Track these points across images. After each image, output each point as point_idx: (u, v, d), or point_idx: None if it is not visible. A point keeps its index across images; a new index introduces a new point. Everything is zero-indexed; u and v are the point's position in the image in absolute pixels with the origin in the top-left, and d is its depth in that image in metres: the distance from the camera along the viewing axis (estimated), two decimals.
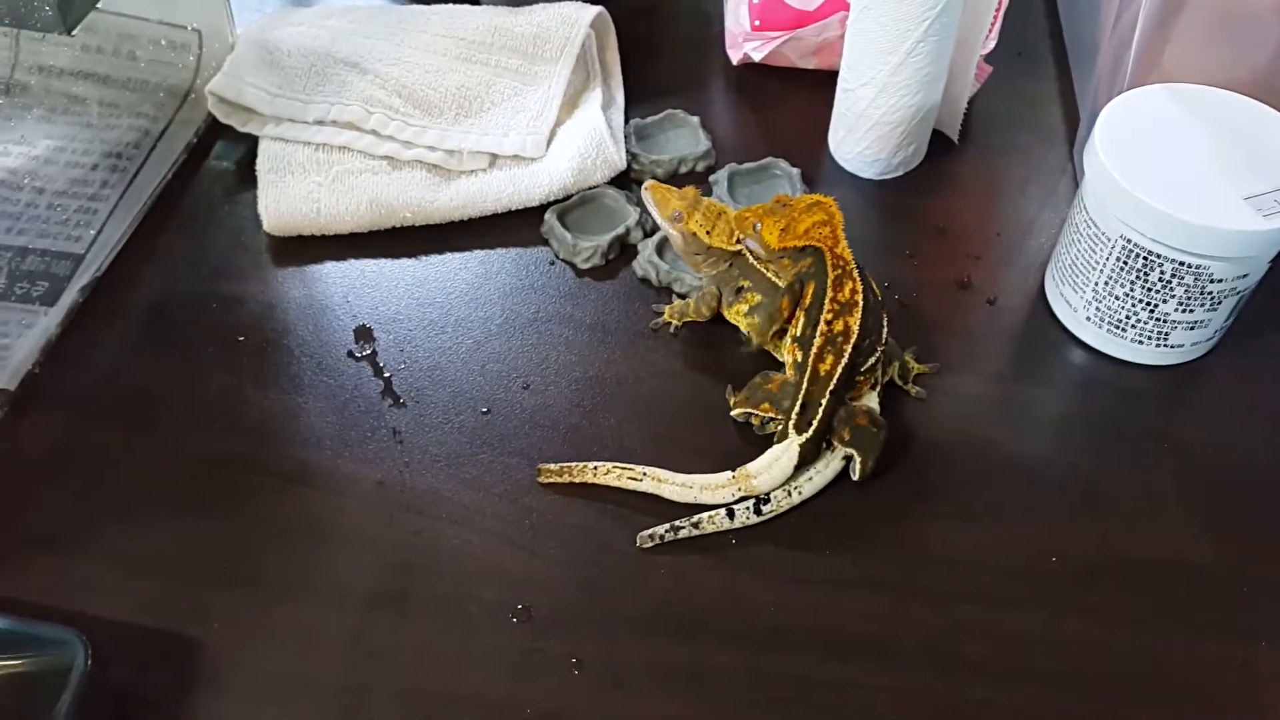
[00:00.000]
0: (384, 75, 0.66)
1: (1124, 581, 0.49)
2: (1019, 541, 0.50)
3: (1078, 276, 0.58)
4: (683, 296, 0.60)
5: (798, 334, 0.52)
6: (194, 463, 0.52)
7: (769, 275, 0.54)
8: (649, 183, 0.57)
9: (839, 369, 0.51)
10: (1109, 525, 0.51)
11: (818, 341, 0.51)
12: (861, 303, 0.51)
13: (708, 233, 0.55)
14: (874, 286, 0.54)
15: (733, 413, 0.54)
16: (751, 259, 0.55)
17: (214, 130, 0.67)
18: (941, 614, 0.48)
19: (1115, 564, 0.50)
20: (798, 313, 0.53)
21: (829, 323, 0.51)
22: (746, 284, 0.55)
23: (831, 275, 0.52)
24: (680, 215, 0.55)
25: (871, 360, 0.52)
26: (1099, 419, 0.56)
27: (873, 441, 0.51)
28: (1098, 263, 0.56)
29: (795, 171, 0.66)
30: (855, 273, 0.52)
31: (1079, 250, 0.57)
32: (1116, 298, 0.56)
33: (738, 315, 0.56)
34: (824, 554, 0.50)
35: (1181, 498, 0.52)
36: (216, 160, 0.66)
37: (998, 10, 0.64)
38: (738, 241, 0.55)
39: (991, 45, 0.68)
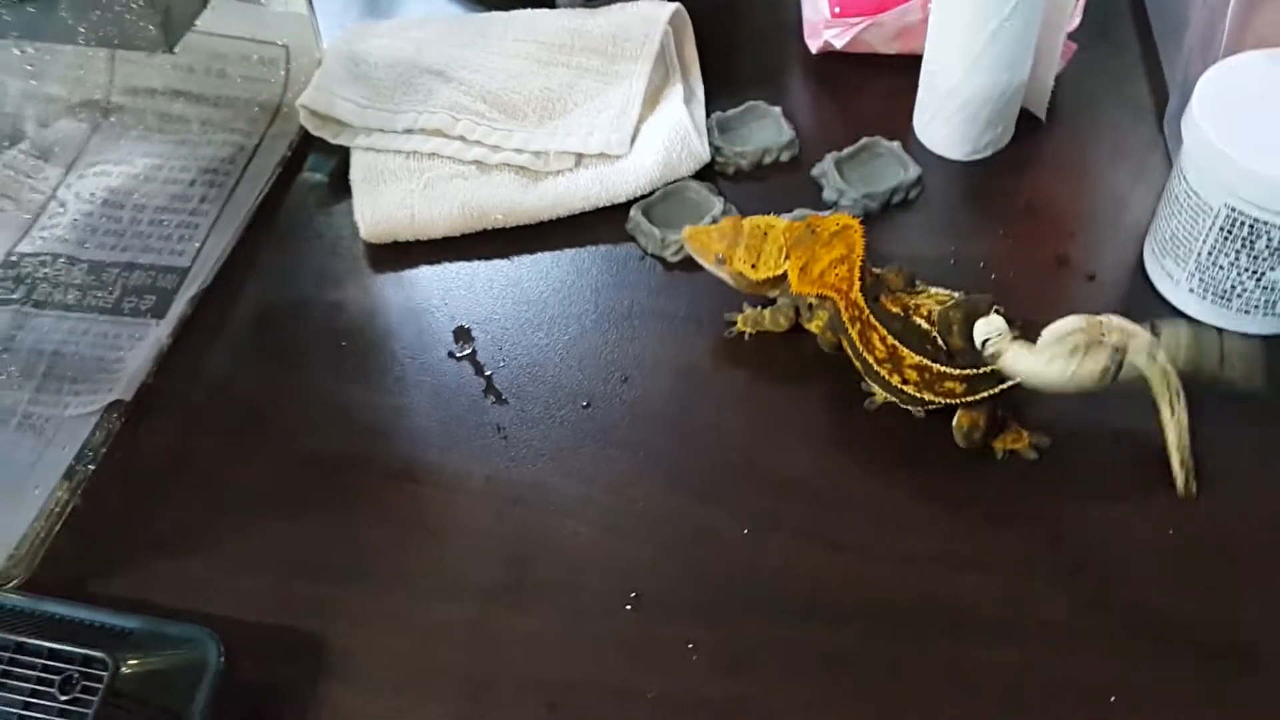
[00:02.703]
0: (468, 82, 0.67)
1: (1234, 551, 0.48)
2: (1137, 517, 0.50)
3: (1179, 248, 0.57)
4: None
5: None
6: (306, 464, 0.53)
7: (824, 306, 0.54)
8: (686, 231, 0.57)
9: (956, 385, 0.50)
10: (1226, 499, 0.50)
11: (921, 395, 0.51)
12: (900, 345, 0.50)
13: (753, 266, 0.54)
14: (896, 303, 0.52)
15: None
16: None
17: (306, 143, 0.68)
18: (1063, 591, 0.47)
19: (1227, 534, 0.49)
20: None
21: (903, 383, 0.51)
22: (812, 300, 0.54)
23: (854, 332, 0.51)
24: (723, 258, 0.55)
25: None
26: (1208, 391, 0.54)
27: None
28: (1200, 233, 0.55)
29: (895, 145, 0.66)
30: (872, 318, 0.51)
31: (1180, 222, 0.56)
32: (1221, 268, 0.55)
33: (818, 330, 0.55)
34: (934, 531, 0.49)
35: None
36: (310, 172, 0.68)
37: None
38: (785, 259, 0.54)
39: (1076, 22, 0.67)
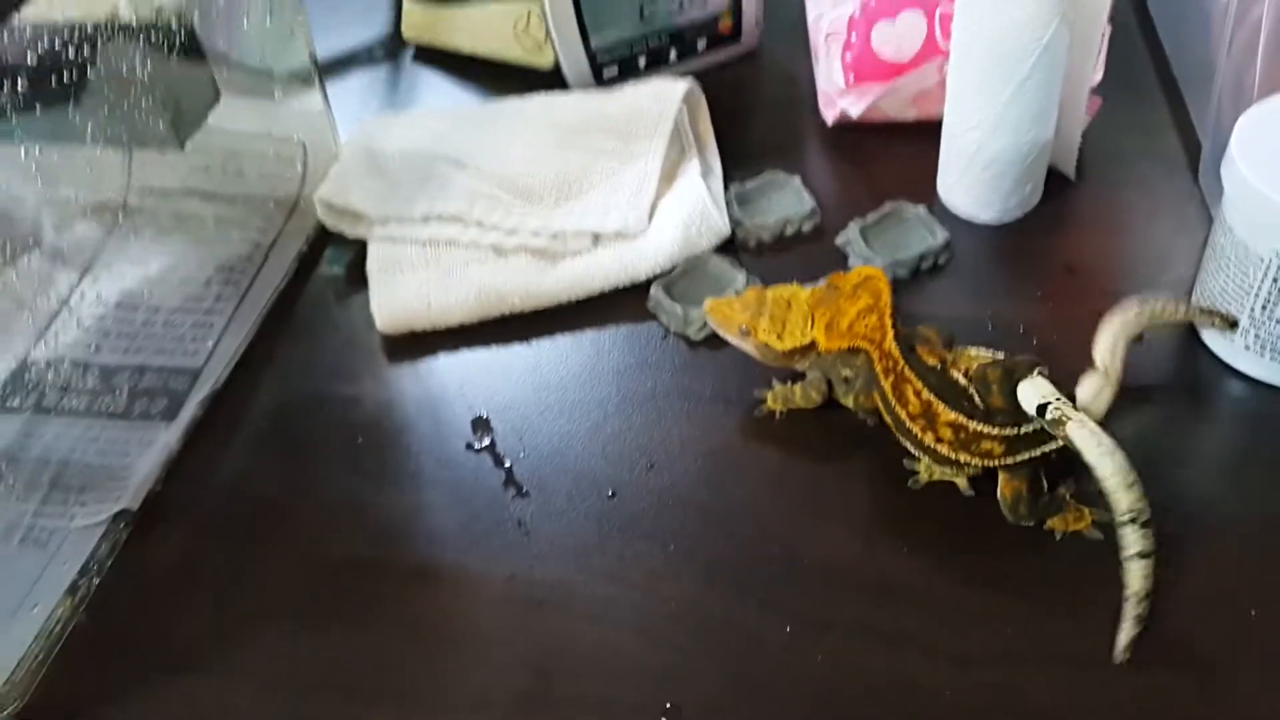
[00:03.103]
0: (485, 169, 0.67)
1: None
2: (1211, 601, 0.46)
3: (1229, 303, 0.54)
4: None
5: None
6: (322, 571, 0.51)
7: (855, 363, 0.51)
8: (708, 303, 0.55)
9: (995, 446, 0.48)
10: None
11: (956, 456, 0.48)
12: (936, 400, 0.48)
13: (779, 336, 0.52)
14: (934, 355, 0.50)
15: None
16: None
17: (323, 238, 0.68)
18: (1132, 685, 0.43)
19: None
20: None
21: (936, 441, 0.48)
22: (848, 373, 0.52)
23: (888, 384, 0.49)
24: (747, 330, 0.53)
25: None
26: (1274, 459, 0.51)
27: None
28: (1251, 286, 0.52)
29: (921, 209, 0.64)
30: (907, 369, 0.48)
31: (1228, 275, 0.53)
32: (1278, 321, 0.52)
33: (853, 403, 0.53)
34: (995, 623, 0.46)
35: None
36: (327, 266, 0.67)
37: (1103, 40, 0.61)
38: (811, 328, 0.52)
39: (1099, 76, 0.65)
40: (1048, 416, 0.46)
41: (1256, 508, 0.49)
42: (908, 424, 0.49)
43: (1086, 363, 0.54)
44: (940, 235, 0.62)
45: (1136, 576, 0.43)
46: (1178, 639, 0.45)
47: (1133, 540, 0.43)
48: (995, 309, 0.59)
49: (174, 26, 0.52)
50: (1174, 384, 0.55)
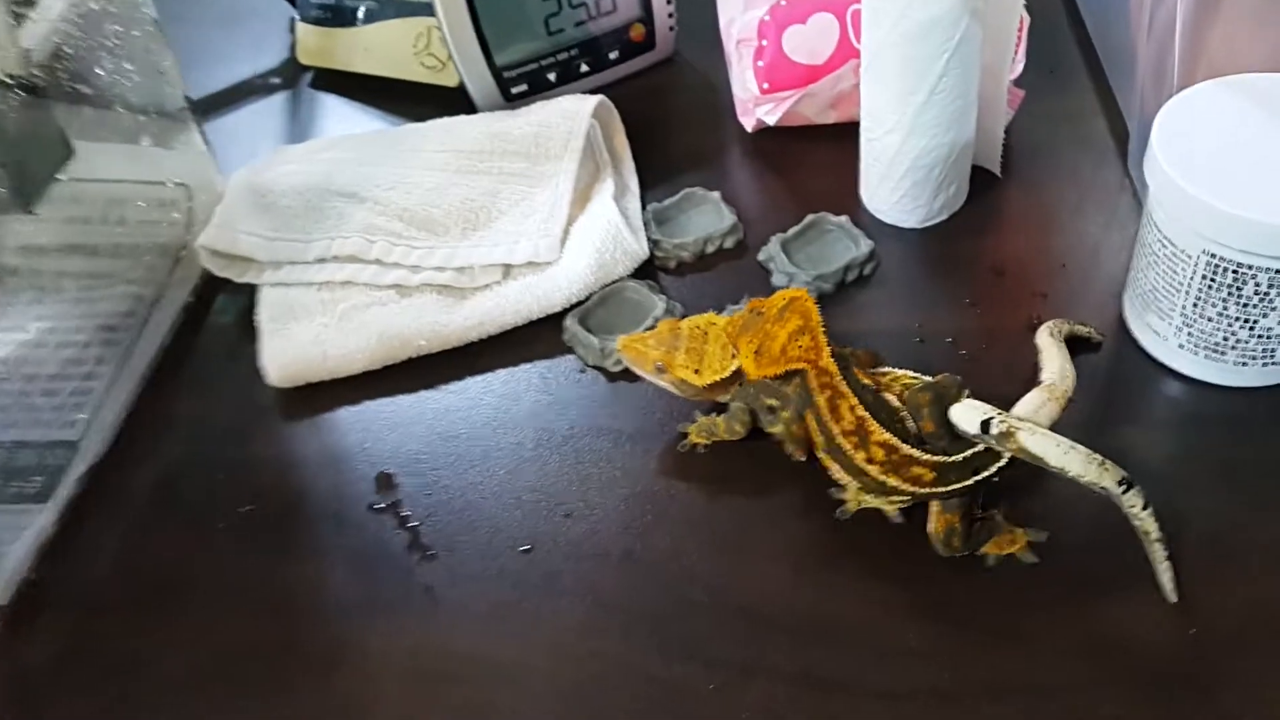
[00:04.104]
0: (383, 201, 0.63)
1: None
2: (1148, 616, 0.44)
3: (1161, 301, 0.51)
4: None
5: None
6: (217, 653, 0.47)
7: (785, 390, 0.48)
8: (620, 341, 0.52)
9: (925, 472, 0.45)
10: (1250, 579, 0.45)
11: (886, 479, 0.45)
12: (870, 418, 0.45)
13: (696, 371, 0.49)
14: (868, 376, 0.48)
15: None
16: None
17: (214, 286, 0.63)
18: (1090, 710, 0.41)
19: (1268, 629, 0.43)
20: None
21: (866, 463, 0.45)
22: (773, 402, 0.49)
23: (823, 400, 0.46)
24: (662, 366, 0.50)
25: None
26: (1212, 457, 0.49)
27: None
28: (1181, 284, 0.50)
29: (843, 219, 0.61)
30: (843, 384, 0.46)
31: (1157, 273, 0.51)
32: (1210, 319, 0.50)
33: (782, 431, 0.50)
34: (933, 657, 0.44)
35: None
36: (217, 316, 0.62)
37: (1021, 30, 0.59)
38: (731, 358, 0.49)
39: (1020, 68, 0.62)
40: (993, 431, 0.44)
41: (1201, 505, 0.47)
42: (839, 440, 0.46)
43: (1016, 372, 0.52)
44: (864, 245, 0.59)
45: (1151, 523, 0.44)
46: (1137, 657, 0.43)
47: (1133, 499, 0.43)
48: (923, 319, 0.57)
49: (8, 80, 0.48)
50: (1109, 386, 0.53)
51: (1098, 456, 0.43)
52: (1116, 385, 0.53)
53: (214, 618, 0.48)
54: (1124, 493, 0.43)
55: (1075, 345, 0.53)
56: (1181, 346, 0.52)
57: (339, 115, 0.77)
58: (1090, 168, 0.64)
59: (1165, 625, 0.44)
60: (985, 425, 0.44)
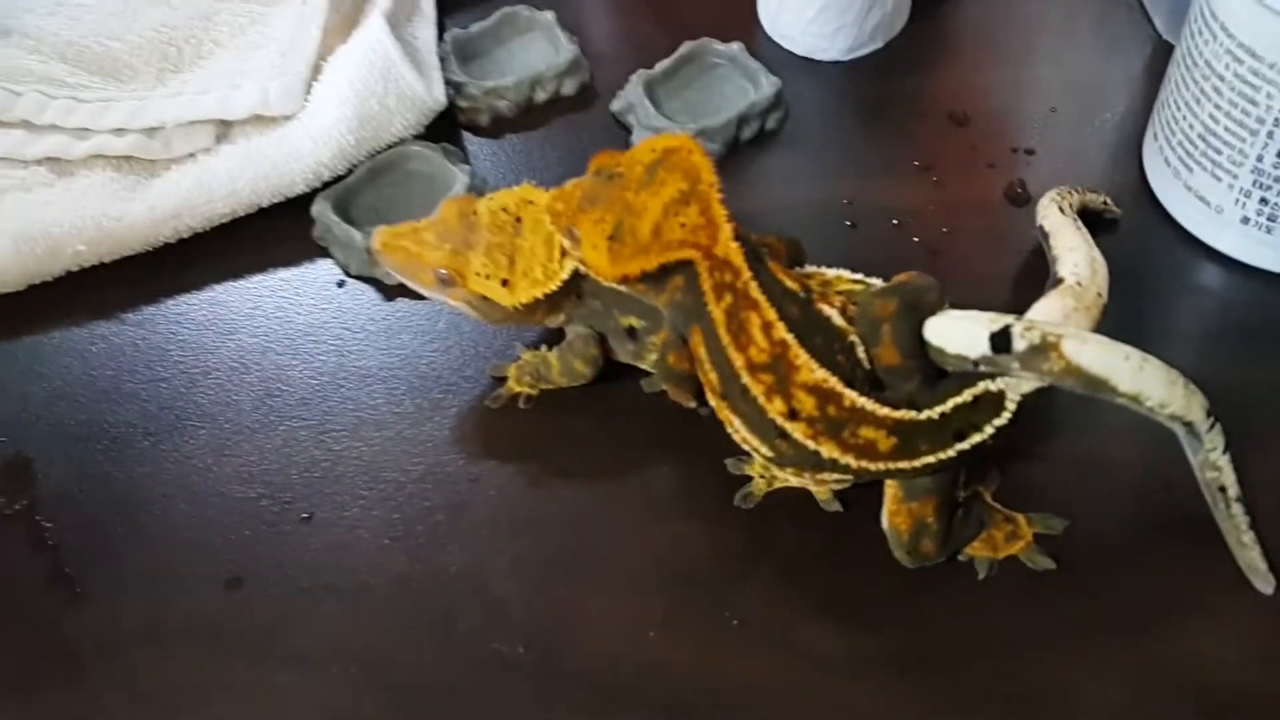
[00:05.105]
0: (38, 34, 0.42)
1: None
2: (1232, 649, 0.29)
3: (1219, 152, 0.35)
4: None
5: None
6: None
7: (655, 301, 0.31)
8: (377, 236, 0.32)
9: (884, 438, 0.28)
10: None
11: (816, 446, 0.28)
12: (796, 344, 0.28)
13: (505, 282, 0.31)
14: (792, 277, 0.30)
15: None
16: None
17: None
18: None
19: None
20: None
21: (786, 418, 0.28)
22: (634, 321, 0.32)
23: (719, 311, 0.29)
24: (448, 276, 0.31)
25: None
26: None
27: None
28: (1259, 120, 0.33)
29: (736, 48, 0.43)
30: (753, 286, 0.29)
31: (1217, 105, 0.34)
32: None
33: (651, 365, 0.34)
34: None
35: None
36: None
37: None
38: (563, 255, 0.31)
39: None
40: (1019, 347, 0.27)
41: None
42: (745, 379, 0.28)
43: (998, 268, 0.34)
44: (766, 86, 0.41)
45: (1231, 477, 0.29)
46: None
47: (1214, 439, 0.29)
48: (854, 192, 0.40)
49: None
50: (1133, 286, 0.36)
51: (1178, 373, 0.27)
52: (1140, 285, 0.37)
53: None
54: (1210, 429, 0.28)
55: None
56: (1247, 221, 0.35)
57: None
58: None
59: (1257, 664, 0.29)
60: (1002, 339, 0.27)
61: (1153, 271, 0.37)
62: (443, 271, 0.31)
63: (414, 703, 0.28)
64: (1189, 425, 0.27)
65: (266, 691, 0.29)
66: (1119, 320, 0.32)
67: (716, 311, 0.29)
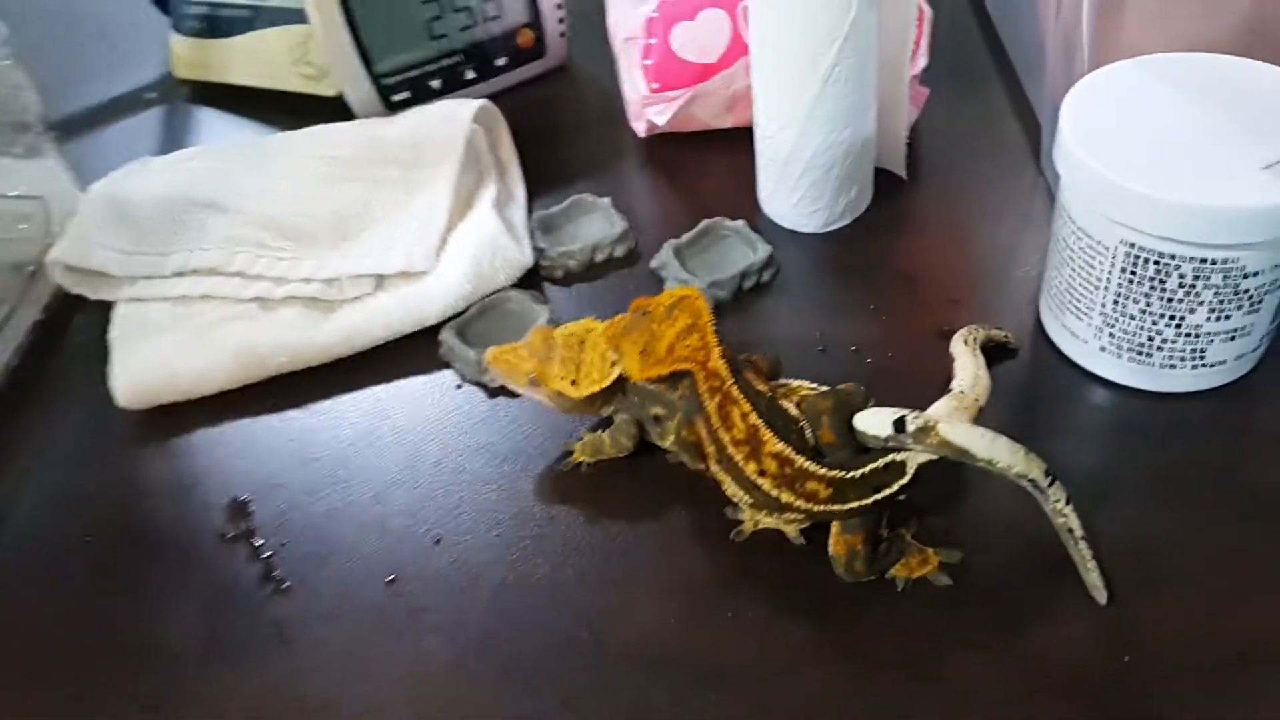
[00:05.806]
0: (248, 211, 0.58)
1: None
2: (1080, 642, 0.40)
3: (1079, 301, 0.48)
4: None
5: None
6: (63, 704, 0.41)
7: (671, 397, 0.44)
8: (490, 353, 0.47)
9: (819, 488, 0.41)
10: (1183, 597, 0.40)
11: (779, 494, 0.41)
12: (763, 427, 0.41)
13: (573, 383, 0.45)
14: (764, 384, 0.44)
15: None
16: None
17: (71, 304, 0.58)
18: None
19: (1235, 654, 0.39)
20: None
21: (758, 475, 0.41)
22: (659, 410, 0.45)
23: (712, 406, 0.42)
24: (535, 379, 0.46)
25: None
26: (1140, 468, 0.46)
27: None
28: (1099, 279, 0.46)
29: (739, 224, 0.57)
30: (734, 389, 0.42)
31: (1074, 269, 0.48)
32: (1132, 317, 0.46)
33: (672, 442, 0.46)
34: (842, 700, 0.39)
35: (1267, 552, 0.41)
36: (75, 336, 0.57)
37: (920, 22, 0.56)
38: (612, 365, 0.45)
39: (923, 64, 0.60)
40: (910, 428, 0.40)
41: (1129, 520, 0.44)
42: (730, 450, 0.42)
43: (926, 382, 0.48)
44: (761, 250, 0.56)
45: (1075, 519, 0.40)
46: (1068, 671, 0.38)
47: (1058, 494, 0.40)
48: (825, 328, 0.53)
49: None
50: (1028, 395, 0.49)
51: (1021, 445, 0.39)
52: (1036, 394, 0.49)
53: (49, 664, 0.43)
54: (1050, 484, 0.39)
55: (993, 355, 0.49)
56: (1103, 349, 0.48)
57: (215, 129, 0.72)
58: (1002, 168, 0.62)
59: (1096, 651, 0.40)
60: (900, 424, 0.40)
61: (1042, 386, 0.49)
62: (532, 375, 0.46)
63: (515, 666, 0.41)
64: (1033, 482, 0.39)
65: (413, 653, 0.42)
66: (1015, 419, 0.46)
67: (710, 405, 0.42)
